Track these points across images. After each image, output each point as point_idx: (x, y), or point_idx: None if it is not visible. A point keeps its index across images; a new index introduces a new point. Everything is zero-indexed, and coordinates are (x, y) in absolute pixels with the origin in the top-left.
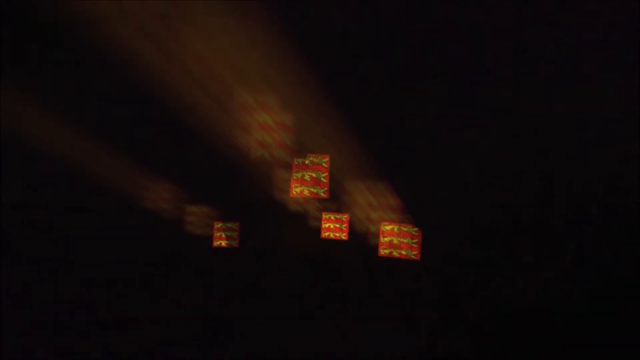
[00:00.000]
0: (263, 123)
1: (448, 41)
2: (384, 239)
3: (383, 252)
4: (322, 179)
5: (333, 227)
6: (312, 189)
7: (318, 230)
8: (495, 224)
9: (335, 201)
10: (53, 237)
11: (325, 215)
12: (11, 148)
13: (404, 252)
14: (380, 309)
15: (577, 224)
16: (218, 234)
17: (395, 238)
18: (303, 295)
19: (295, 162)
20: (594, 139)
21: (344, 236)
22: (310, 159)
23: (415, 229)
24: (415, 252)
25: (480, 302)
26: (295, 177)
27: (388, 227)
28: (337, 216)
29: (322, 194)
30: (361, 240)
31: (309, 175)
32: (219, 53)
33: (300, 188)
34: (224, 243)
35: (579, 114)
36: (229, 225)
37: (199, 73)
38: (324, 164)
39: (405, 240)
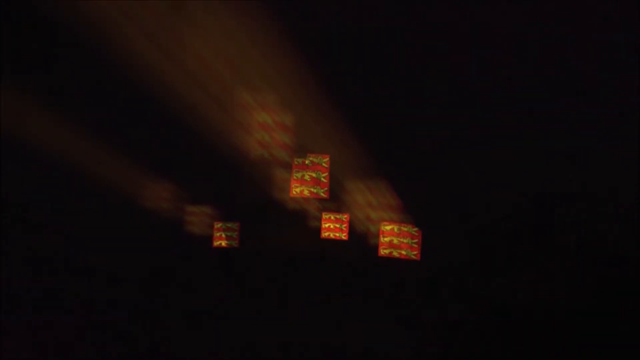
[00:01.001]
0: (263, 123)
1: (448, 41)
2: (384, 239)
3: (383, 252)
4: (322, 179)
5: (333, 227)
6: (312, 189)
7: (318, 230)
8: (495, 224)
9: (335, 201)
10: (53, 237)
11: (325, 215)
12: (11, 148)
13: (404, 252)
14: (380, 309)
15: (577, 224)
16: (218, 234)
17: (395, 238)
18: (303, 295)
19: (295, 162)
20: (594, 139)
21: (344, 236)
22: (310, 159)
23: (415, 229)
24: (415, 252)
25: (480, 302)
26: (295, 177)
27: (388, 227)
28: (337, 216)
29: (322, 194)
30: (361, 240)
31: (309, 175)
32: (219, 53)
33: (300, 188)
34: (224, 243)
35: (579, 114)
36: (229, 225)
37: (199, 73)
38: (324, 164)
39: (405, 240)
